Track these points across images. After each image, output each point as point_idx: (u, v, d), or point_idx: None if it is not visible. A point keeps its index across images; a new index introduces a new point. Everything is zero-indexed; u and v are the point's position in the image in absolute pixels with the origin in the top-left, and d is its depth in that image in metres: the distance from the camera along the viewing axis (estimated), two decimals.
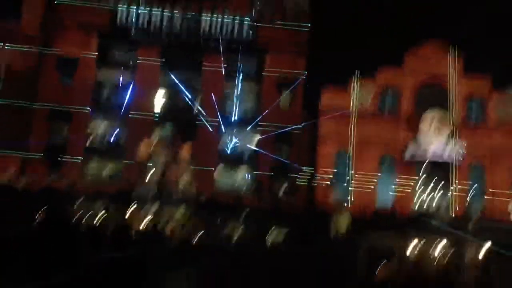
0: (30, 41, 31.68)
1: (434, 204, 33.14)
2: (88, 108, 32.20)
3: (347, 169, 32.77)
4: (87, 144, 32.10)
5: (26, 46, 31.45)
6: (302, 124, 31.89)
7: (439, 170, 32.96)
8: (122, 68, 33.04)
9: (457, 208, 32.17)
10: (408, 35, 33.21)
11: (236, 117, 32.78)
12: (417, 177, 33.10)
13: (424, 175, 33.52)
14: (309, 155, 32.69)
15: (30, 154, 30.60)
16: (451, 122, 33.29)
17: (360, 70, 33.13)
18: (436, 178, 33.20)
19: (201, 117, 31.90)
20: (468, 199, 32.86)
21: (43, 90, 31.53)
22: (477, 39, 31.03)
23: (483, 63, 31.45)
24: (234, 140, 32.45)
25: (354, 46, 31.50)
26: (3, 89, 30.78)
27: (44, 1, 32.43)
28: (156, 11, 32.97)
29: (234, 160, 32.52)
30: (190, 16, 33.05)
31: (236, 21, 33.19)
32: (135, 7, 32.95)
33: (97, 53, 32.79)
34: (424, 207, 32.88)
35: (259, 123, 32.12)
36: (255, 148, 32.82)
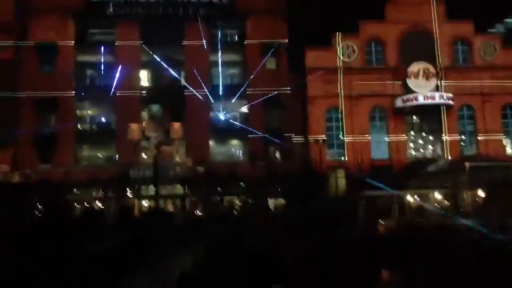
0: (5, 30, 30.91)
1: (428, 150, 33.59)
2: (73, 92, 31.64)
3: (339, 125, 32.90)
4: (77, 129, 31.75)
5: (2, 36, 30.67)
6: (289, 87, 31.71)
7: (431, 116, 33.27)
8: (102, 48, 32.49)
9: (450, 152, 32.62)
10: None
11: (223, 87, 32.51)
12: (409, 125, 33.49)
13: (416, 121, 33.89)
14: (300, 116, 32.66)
15: (21, 144, 30.15)
16: (438, 67, 33.31)
17: (342, 26, 32.85)
18: (428, 123, 33.61)
19: (188, 90, 31.55)
20: (460, 141, 33.38)
21: (25, 80, 30.95)
22: None
23: (464, 7, 31.42)
24: (224, 109, 32.28)
25: (334, 2, 31.12)
26: None
27: None
28: None
29: (226, 130, 32.38)
30: None
31: None
32: None
33: (75, 35, 32.12)
34: (419, 153, 33.32)
35: (247, 90, 31.83)
36: (245, 114, 32.76)
